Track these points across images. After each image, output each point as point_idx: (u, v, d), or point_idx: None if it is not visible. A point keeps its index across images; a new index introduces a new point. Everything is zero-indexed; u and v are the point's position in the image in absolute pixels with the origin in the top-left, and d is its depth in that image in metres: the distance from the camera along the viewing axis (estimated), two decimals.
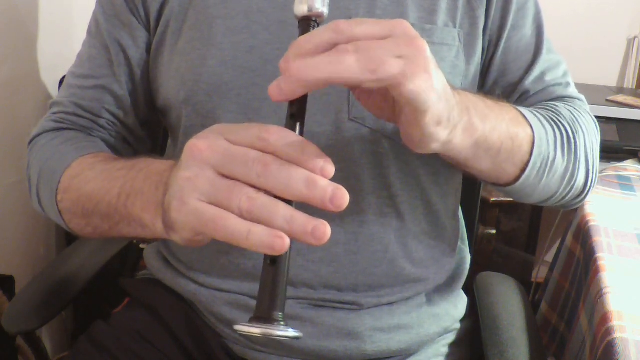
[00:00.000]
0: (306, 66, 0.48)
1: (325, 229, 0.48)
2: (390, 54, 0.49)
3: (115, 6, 0.80)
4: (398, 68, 0.48)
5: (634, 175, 1.31)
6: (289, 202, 0.50)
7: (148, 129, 0.87)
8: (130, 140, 0.86)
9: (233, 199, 0.49)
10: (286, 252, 0.50)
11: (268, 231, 0.48)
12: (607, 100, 1.57)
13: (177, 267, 0.83)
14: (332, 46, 0.50)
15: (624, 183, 1.27)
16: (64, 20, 1.40)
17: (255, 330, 0.49)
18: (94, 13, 0.83)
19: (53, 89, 1.36)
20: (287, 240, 0.48)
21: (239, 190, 0.49)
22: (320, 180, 0.48)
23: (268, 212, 0.48)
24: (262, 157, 0.49)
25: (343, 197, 0.48)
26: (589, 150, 0.78)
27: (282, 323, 0.49)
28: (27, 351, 1.20)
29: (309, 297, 0.76)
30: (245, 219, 0.49)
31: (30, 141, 0.84)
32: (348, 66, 0.48)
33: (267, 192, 0.49)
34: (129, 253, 1.30)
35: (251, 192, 0.49)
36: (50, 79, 1.34)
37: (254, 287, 0.76)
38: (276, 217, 0.48)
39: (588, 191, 0.81)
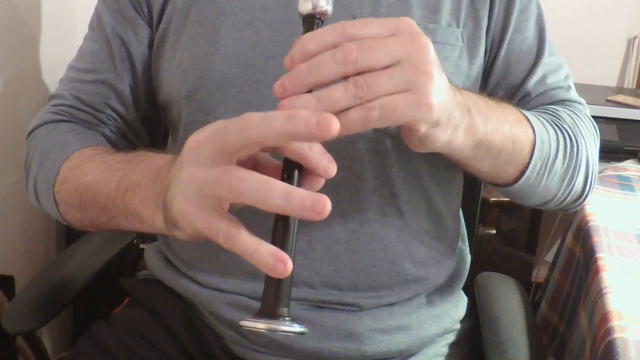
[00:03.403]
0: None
1: (325, 202, 0.47)
2: (390, 86, 0.50)
3: (118, 1, 0.80)
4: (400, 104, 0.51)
5: (634, 175, 1.31)
6: (290, 178, 0.50)
7: (148, 125, 0.87)
8: (130, 136, 0.86)
9: (224, 184, 0.48)
10: (291, 246, 0.50)
11: (273, 253, 0.48)
12: (607, 100, 1.57)
13: (177, 266, 0.83)
14: (336, 47, 0.50)
15: (624, 183, 1.27)
16: (65, 20, 1.40)
17: (261, 325, 0.49)
18: (96, 8, 0.83)
19: (54, 89, 1.35)
20: (290, 264, 0.48)
21: (227, 175, 0.48)
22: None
23: (261, 191, 0.47)
24: (238, 173, 0.48)
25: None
26: (589, 155, 0.79)
27: (287, 318, 0.49)
28: (27, 351, 1.19)
29: (309, 298, 0.76)
30: (239, 202, 0.48)
31: (30, 133, 0.84)
32: (340, 102, 0.50)
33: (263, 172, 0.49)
34: (129, 253, 1.30)
35: (241, 172, 0.48)
36: (51, 79, 1.34)
37: (254, 287, 0.76)
38: (271, 195, 0.47)
39: (586, 195, 0.81)
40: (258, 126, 0.48)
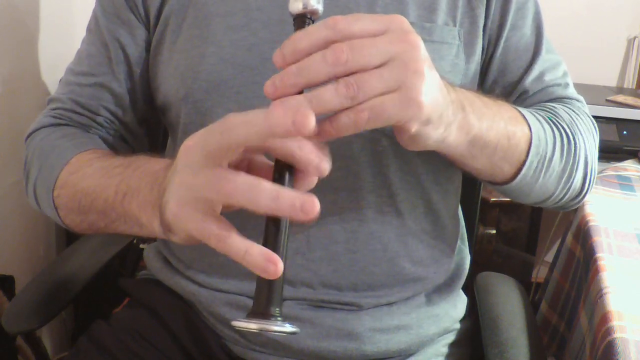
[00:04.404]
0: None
1: (314, 202, 0.47)
2: (381, 85, 0.50)
3: (115, 4, 0.80)
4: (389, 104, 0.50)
5: (634, 175, 1.31)
6: (281, 178, 0.50)
7: (146, 127, 0.87)
8: (128, 139, 0.86)
9: (213, 187, 0.49)
10: (283, 247, 0.50)
11: (263, 255, 0.48)
12: (607, 100, 1.57)
13: (177, 267, 0.83)
14: (327, 44, 0.50)
15: (624, 183, 1.27)
16: (64, 20, 1.40)
17: (253, 325, 0.49)
18: (94, 11, 0.83)
19: (53, 89, 1.35)
20: (281, 266, 0.48)
21: (216, 177, 0.49)
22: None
23: (250, 192, 0.48)
24: (226, 175, 0.48)
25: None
26: (587, 152, 0.78)
27: (279, 318, 0.50)
28: (27, 351, 1.20)
29: (309, 298, 0.76)
30: (229, 204, 0.49)
31: (28, 136, 0.84)
32: (331, 103, 0.49)
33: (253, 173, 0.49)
34: (129, 253, 1.30)
35: (229, 174, 0.49)
36: (50, 79, 1.34)
37: (253, 287, 0.76)
38: (260, 196, 0.48)
39: (586, 193, 0.81)
40: (238, 127, 0.48)
